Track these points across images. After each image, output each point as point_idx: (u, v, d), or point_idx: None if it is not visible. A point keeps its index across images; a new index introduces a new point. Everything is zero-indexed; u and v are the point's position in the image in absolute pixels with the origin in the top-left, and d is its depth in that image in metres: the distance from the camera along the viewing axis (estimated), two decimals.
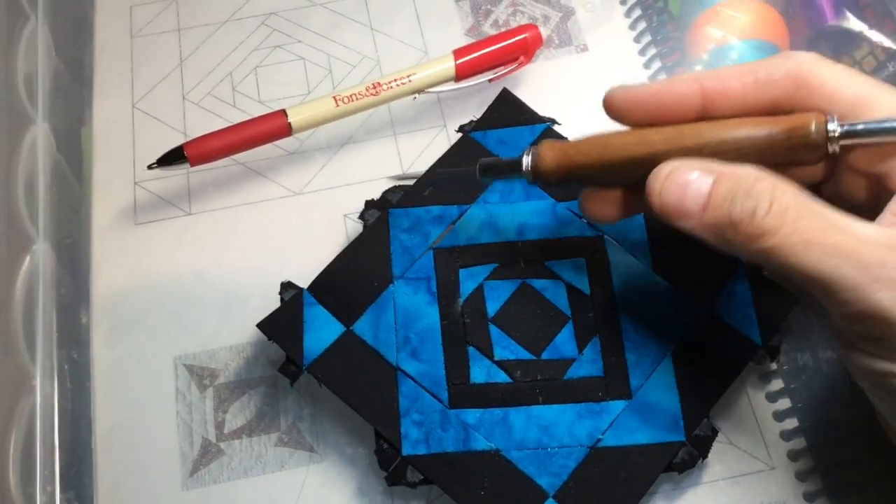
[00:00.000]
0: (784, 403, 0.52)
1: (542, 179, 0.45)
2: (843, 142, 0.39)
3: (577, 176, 0.44)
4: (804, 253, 0.36)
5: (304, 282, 0.51)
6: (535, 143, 0.46)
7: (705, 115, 0.42)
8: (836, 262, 0.35)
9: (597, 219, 0.47)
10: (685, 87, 0.42)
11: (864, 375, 0.39)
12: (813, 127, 0.39)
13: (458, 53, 0.59)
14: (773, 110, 0.41)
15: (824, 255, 0.36)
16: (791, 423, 0.51)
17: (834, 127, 0.38)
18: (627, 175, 0.43)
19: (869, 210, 0.39)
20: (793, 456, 0.50)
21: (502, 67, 0.60)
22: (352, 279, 0.51)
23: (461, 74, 0.59)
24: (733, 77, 0.42)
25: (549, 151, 0.44)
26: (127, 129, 0.62)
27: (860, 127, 0.38)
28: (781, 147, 0.39)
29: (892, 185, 0.39)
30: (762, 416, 0.52)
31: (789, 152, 0.40)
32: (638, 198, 0.43)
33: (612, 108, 0.44)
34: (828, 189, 0.43)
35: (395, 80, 0.57)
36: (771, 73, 0.41)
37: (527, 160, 0.45)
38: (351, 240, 0.54)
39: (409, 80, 0.57)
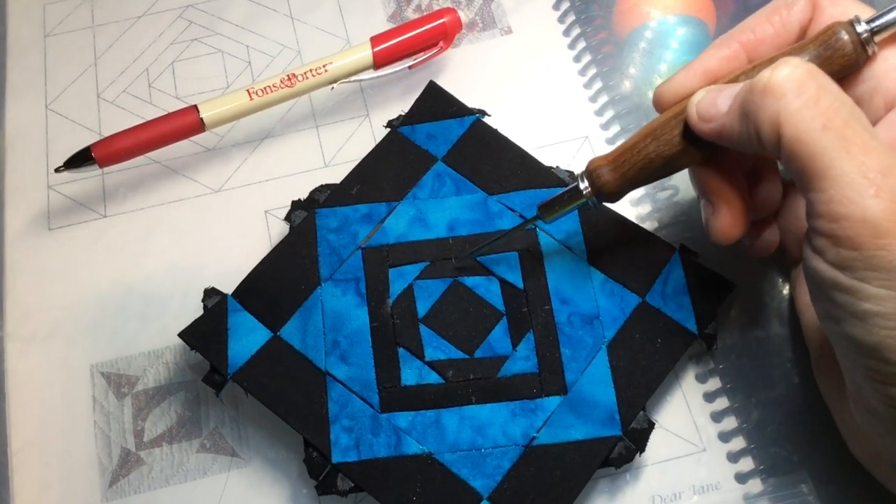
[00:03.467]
0: (714, 384, 0.52)
1: (606, 191, 0.45)
2: (877, 37, 0.41)
3: (635, 166, 0.44)
4: (818, 133, 0.36)
5: (224, 281, 0.50)
6: (583, 172, 0.46)
7: None
8: (842, 156, 0.35)
9: (732, 235, 0.45)
10: (728, 49, 0.44)
11: (819, 285, 0.38)
12: (843, 34, 0.41)
13: (375, 41, 0.57)
14: None
15: (836, 143, 0.35)
16: (721, 403, 0.51)
17: (862, 28, 0.41)
18: (681, 151, 0.44)
19: None
20: (724, 437, 0.50)
21: (422, 53, 0.59)
22: (278, 283, 0.50)
23: (380, 62, 0.57)
24: (762, 23, 0.44)
25: (604, 167, 0.45)
26: (40, 131, 0.60)
27: (889, 17, 0.41)
28: (820, 64, 0.41)
29: None
30: (692, 398, 0.51)
31: (827, 66, 0.41)
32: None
33: (665, 103, 0.45)
34: None
35: (311, 70, 0.56)
36: (790, 4, 0.43)
37: (584, 185, 0.45)
38: (273, 237, 0.53)
39: (326, 70, 0.56)
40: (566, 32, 0.63)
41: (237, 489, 0.49)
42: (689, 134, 0.43)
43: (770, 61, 0.42)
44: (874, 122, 0.42)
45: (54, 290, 0.55)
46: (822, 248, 0.36)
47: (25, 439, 0.51)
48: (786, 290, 0.53)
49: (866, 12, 0.42)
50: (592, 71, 0.61)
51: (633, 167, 0.44)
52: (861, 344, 0.36)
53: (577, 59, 0.62)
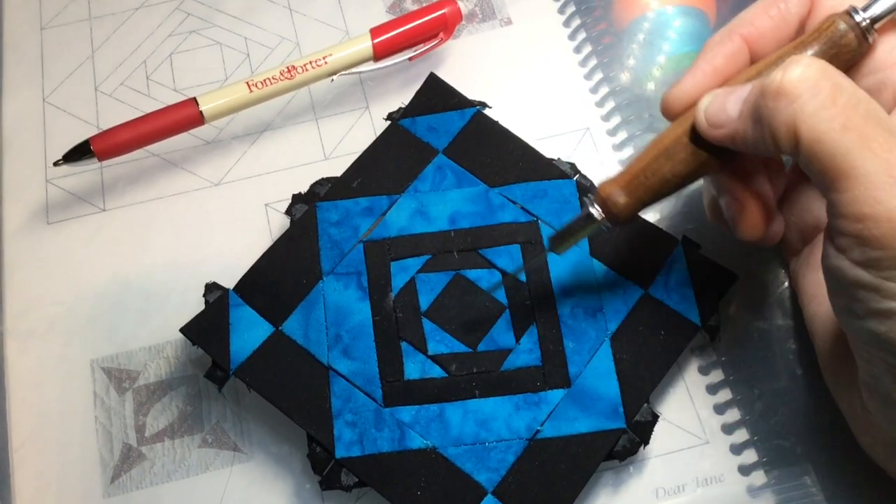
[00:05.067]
0: (717, 376, 0.51)
1: (619, 217, 0.44)
2: (877, 24, 0.41)
3: (649, 189, 0.43)
4: (838, 134, 0.35)
5: (225, 275, 0.50)
6: (589, 196, 0.45)
7: (755, 60, 0.44)
8: (865, 156, 0.34)
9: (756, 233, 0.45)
10: (731, 44, 0.43)
11: (841, 283, 0.37)
12: (840, 24, 0.41)
13: (375, 32, 0.57)
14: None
15: (858, 143, 0.35)
16: (724, 395, 0.51)
17: (860, 17, 0.40)
18: (698, 166, 0.43)
19: None
20: (727, 429, 0.50)
21: (422, 45, 0.59)
22: (279, 277, 0.50)
23: (380, 54, 0.57)
24: (760, 15, 0.43)
25: (616, 192, 0.43)
26: (38, 124, 0.60)
27: (888, 3, 0.40)
28: (825, 51, 0.41)
29: None
30: (695, 390, 0.51)
31: (834, 62, 0.40)
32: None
33: (676, 109, 0.44)
34: None
35: (311, 62, 0.55)
36: None
37: (596, 211, 0.44)
38: (273, 230, 0.53)
39: (326, 62, 0.55)
40: (566, 23, 0.63)
41: (240, 484, 0.49)
42: (703, 145, 0.42)
43: (777, 61, 0.41)
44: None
45: (53, 285, 0.54)
46: (845, 246, 0.36)
47: (26, 436, 0.50)
48: (787, 284, 0.53)
49: (861, 0, 0.41)
50: (593, 62, 0.61)
51: (649, 189, 0.43)
52: (884, 341, 0.36)
53: (577, 49, 0.62)
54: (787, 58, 0.39)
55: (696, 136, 0.42)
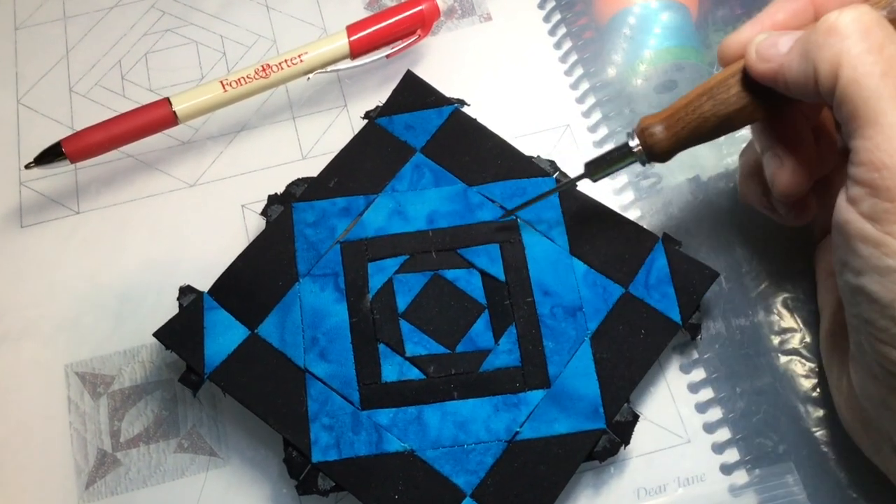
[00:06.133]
0: (698, 374, 0.51)
1: (658, 155, 0.44)
2: None
3: (688, 125, 0.43)
4: (876, 79, 0.36)
5: (201, 277, 0.49)
6: (630, 130, 0.45)
7: None
8: None
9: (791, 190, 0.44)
10: (796, 3, 0.43)
11: (846, 236, 0.38)
12: None
13: (351, 29, 0.56)
14: None
15: (893, 92, 0.35)
16: (706, 394, 0.50)
17: None
18: (739, 109, 0.42)
19: None
20: (709, 428, 0.50)
21: (400, 42, 0.58)
22: (255, 279, 0.49)
23: (356, 51, 0.56)
24: None
25: (656, 125, 0.44)
26: (11, 126, 0.59)
27: None
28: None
29: None
30: (676, 389, 0.51)
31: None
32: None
33: (729, 55, 0.44)
34: None
35: (287, 60, 0.55)
36: None
37: (635, 143, 0.45)
38: (250, 231, 0.53)
39: (301, 60, 0.55)
40: (546, 18, 0.62)
41: (216, 489, 0.48)
42: (748, 87, 0.42)
43: None
44: None
45: (27, 289, 0.53)
46: (857, 197, 0.36)
47: None
48: (769, 281, 0.52)
49: None
50: (574, 58, 0.60)
51: (687, 126, 0.43)
52: (876, 299, 0.36)
53: (557, 45, 0.61)
54: None
55: (742, 78, 0.42)
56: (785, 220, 0.47)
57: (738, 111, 0.43)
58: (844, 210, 0.37)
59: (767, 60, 0.40)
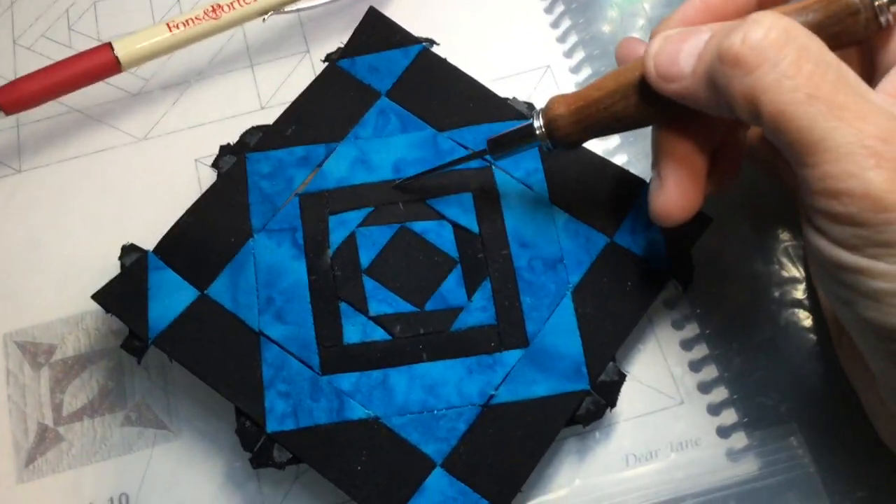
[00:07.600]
0: (692, 330, 0.49)
1: (562, 139, 0.41)
2: (893, 6, 0.35)
3: (600, 121, 0.40)
4: (804, 105, 0.32)
5: (151, 238, 0.46)
6: (539, 110, 0.42)
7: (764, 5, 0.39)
8: (835, 126, 0.32)
9: (678, 211, 0.40)
10: None
11: (824, 266, 0.34)
12: None
13: None
14: None
15: (826, 113, 0.32)
16: (700, 351, 0.48)
17: None
18: (651, 115, 0.39)
19: None
20: (703, 388, 0.47)
21: None
22: (204, 236, 0.46)
23: None
24: None
25: (564, 116, 0.41)
26: None
27: None
28: (827, 23, 0.35)
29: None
30: (667, 346, 0.48)
31: (829, 37, 0.35)
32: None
33: (627, 61, 0.41)
34: None
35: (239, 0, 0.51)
36: None
37: (538, 123, 0.41)
38: (204, 187, 0.50)
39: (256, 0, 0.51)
40: None
41: (165, 465, 0.46)
42: (660, 94, 0.38)
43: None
44: None
45: None
46: (823, 227, 0.33)
47: None
48: (768, 228, 0.50)
49: None
50: None
51: (597, 122, 0.40)
52: (878, 326, 0.33)
53: None
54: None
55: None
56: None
57: (652, 116, 0.39)
58: (814, 239, 0.34)
59: (669, 80, 0.37)
